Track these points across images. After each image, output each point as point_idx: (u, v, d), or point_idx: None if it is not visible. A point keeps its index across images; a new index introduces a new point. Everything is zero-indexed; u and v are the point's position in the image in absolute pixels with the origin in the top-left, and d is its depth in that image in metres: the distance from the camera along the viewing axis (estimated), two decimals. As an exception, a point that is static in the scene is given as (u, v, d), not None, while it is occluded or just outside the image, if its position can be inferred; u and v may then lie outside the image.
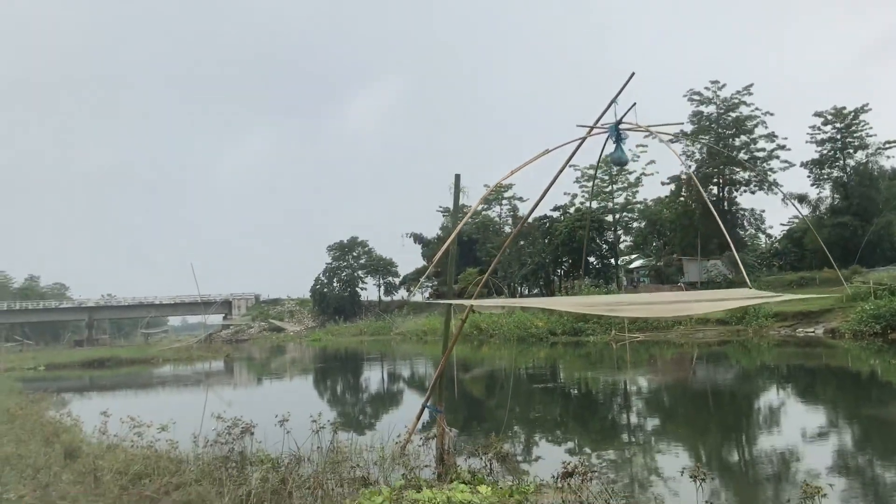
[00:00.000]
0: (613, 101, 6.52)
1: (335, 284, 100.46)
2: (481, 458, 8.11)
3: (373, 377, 35.49)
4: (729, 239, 6.99)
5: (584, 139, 6.93)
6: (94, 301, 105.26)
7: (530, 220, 68.15)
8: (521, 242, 78.48)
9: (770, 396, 20.61)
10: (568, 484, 6.47)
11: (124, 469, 8.46)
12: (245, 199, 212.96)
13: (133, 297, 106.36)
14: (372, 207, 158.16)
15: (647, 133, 6.53)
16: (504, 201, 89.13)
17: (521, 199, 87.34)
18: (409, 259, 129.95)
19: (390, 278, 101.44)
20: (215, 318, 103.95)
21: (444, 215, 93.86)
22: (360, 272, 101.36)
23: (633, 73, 6.34)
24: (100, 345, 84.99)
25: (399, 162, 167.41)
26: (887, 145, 64.20)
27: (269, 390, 31.61)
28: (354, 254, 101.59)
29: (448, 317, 10.20)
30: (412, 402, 23.54)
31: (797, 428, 14.53)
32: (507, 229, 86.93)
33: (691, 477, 6.52)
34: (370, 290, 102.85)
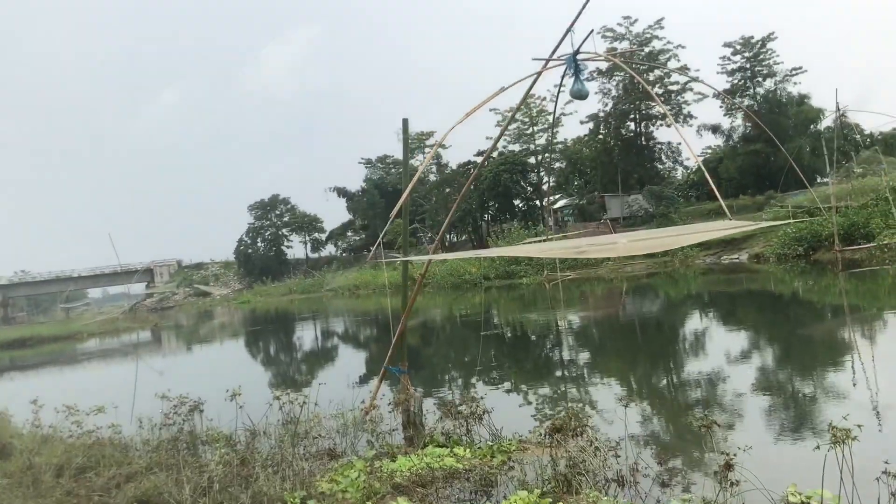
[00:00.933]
0: (569, 29, 6.10)
1: (259, 244, 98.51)
2: (454, 419, 7.77)
3: (308, 336, 34.95)
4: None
5: (539, 73, 6.51)
6: (6, 278, 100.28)
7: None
8: (447, 189, 78.24)
9: (695, 323, 21.17)
10: (556, 439, 6.27)
11: (65, 463, 7.84)
12: (160, 160, 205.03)
13: (49, 272, 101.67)
14: (292, 162, 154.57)
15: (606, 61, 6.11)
16: (426, 149, 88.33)
17: (443, 146, 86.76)
18: (334, 214, 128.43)
19: (316, 234, 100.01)
20: (138, 288, 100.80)
21: (366, 167, 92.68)
22: (284, 230, 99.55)
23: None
24: (17, 323, 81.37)
25: (317, 114, 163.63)
26: (794, 72, 66.05)
27: (202, 357, 30.77)
28: (277, 212, 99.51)
29: (404, 271, 9.78)
30: (357, 360, 23.23)
31: (721, 351, 15.01)
32: (432, 177, 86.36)
33: (623, 404, 7.16)
34: (296, 248, 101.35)
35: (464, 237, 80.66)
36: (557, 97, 6.96)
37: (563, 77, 6.47)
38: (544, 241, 32.00)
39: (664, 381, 13.18)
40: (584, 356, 17.36)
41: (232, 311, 66.68)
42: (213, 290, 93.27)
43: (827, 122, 65.49)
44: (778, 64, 66.45)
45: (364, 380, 16.42)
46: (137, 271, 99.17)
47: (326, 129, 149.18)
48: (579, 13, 6.00)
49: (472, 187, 75.67)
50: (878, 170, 38.53)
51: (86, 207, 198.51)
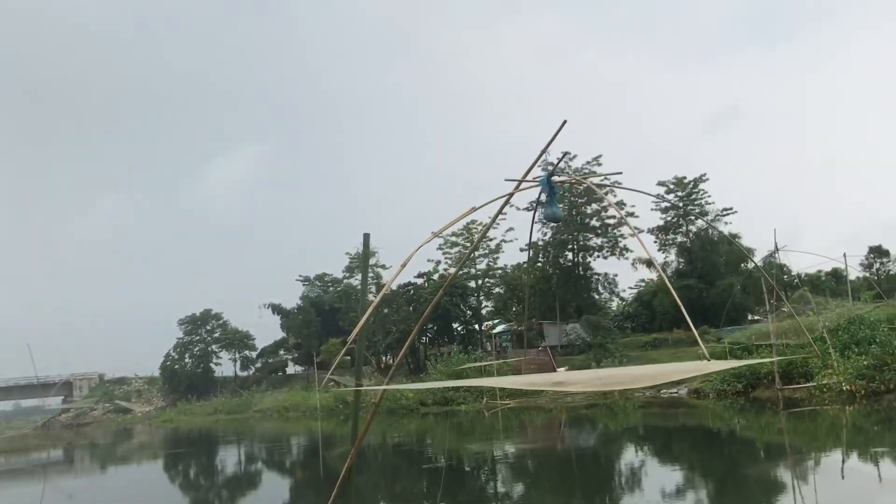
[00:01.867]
0: (545, 150, 5.81)
1: (187, 360, 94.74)
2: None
3: (232, 461, 32.89)
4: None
5: (511, 194, 6.15)
6: None
7: (396, 286, 67.67)
8: (385, 310, 77.49)
9: (633, 458, 20.91)
10: None
11: None
12: (89, 268, 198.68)
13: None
14: (226, 279, 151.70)
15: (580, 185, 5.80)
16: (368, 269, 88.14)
17: (383, 266, 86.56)
18: (266, 331, 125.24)
19: (247, 352, 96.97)
20: (54, 402, 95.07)
21: (303, 284, 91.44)
22: (213, 346, 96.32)
23: (565, 121, 5.72)
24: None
25: (255, 231, 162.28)
26: (725, 212, 68.95)
27: (116, 480, 28.51)
28: (208, 327, 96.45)
29: (356, 400, 8.91)
30: (283, 492, 21.68)
31: (657, 488, 14.84)
32: (371, 297, 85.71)
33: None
34: (225, 366, 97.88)
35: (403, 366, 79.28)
36: (534, 215, 6.56)
37: (535, 203, 6.15)
38: (485, 365, 31.49)
39: None
40: (521, 490, 16.74)
41: (153, 430, 63.13)
42: (134, 407, 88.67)
43: (757, 259, 68.07)
44: (709, 204, 69.40)
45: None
46: (56, 384, 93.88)
47: (264, 245, 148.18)
48: (555, 135, 5.74)
49: (410, 309, 75.30)
50: (806, 309, 39.70)
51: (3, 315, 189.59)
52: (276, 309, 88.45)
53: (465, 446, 27.27)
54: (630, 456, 21.42)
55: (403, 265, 6.36)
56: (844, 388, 25.05)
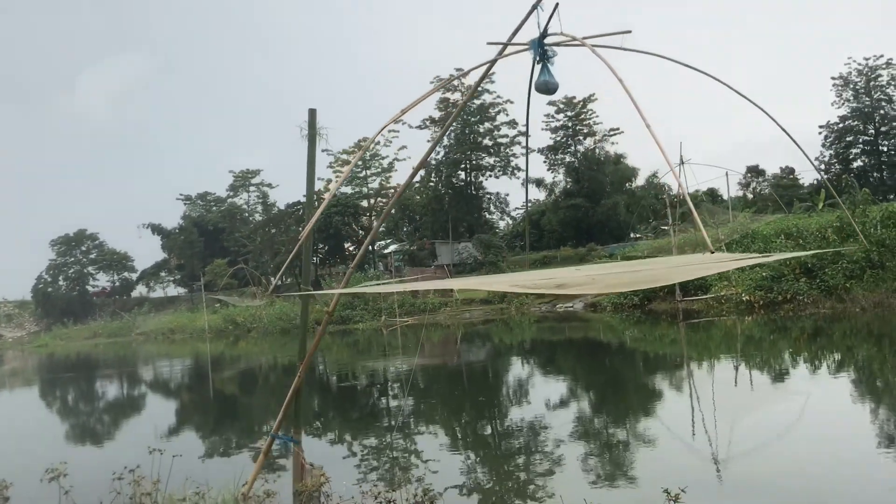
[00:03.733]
0: (536, 6, 5.05)
1: (61, 283, 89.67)
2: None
3: (114, 385, 31.29)
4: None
5: (494, 60, 5.37)
6: None
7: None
8: (273, 231, 75.49)
9: (523, 371, 21.40)
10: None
11: None
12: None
13: None
14: (103, 198, 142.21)
15: (579, 44, 4.97)
16: (252, 188, 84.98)
17: (270, 185, 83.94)
18: (146, 252, 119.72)
19: (126, 273, 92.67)
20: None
21: (185, 203, 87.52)
22: (90, 268, 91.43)
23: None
24: None
25: (134, 148, 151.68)
26: (612, 132, 70.30)
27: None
28: (83, 248, 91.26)
29: (304, 310, 8.16)
30: (171, 416, 20.59)
31: (544, 399, 15.29)
32: (257, 217, 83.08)
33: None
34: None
35: (289, 280, 77.79)
36: (529, 94, 5.77)
37: (530, 74, 5.34)
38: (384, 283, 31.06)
39: (488, 430, 13.18)
40: (413, 405, 16.75)
41: (26, 356, 59.57)
42: (4, 332, 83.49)
43: (641, 179, 70.32)
44: (598, 124, 70.51)
45: (213, 446, 14.37)
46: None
47: (144, 164, 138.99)
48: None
49: (298, 229, 73.61)
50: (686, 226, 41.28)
51: None
52: (157, 229, 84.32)
53: (363, 364, 27.08)
54: (519, 369, 21.84)
55: (365, 149, 5.57)
56: (744, 299, 26.18)
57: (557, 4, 4.85)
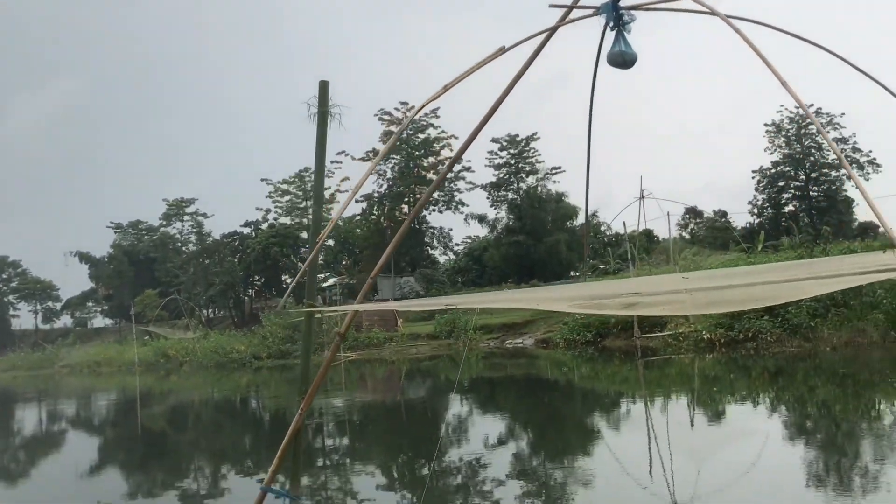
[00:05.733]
0: None
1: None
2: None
3: (32, 420, 29.09)
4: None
5: (555, 28, 4.47)
6: None
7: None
8: (207, 261, 73.19)
9: (465, 408, 20.66)
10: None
11: None
12: None
13: None
14: (26, 224, 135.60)
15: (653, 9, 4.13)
16: (186, 217, 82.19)
17: (205, 214, 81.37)
18: (73, 281, 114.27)
19: (50, 303, 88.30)
20: None
21: (115, 231, 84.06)
22: (11, 297, 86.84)
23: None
24: None
25: (63, 174, 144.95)
26: (553, 171, 70.85)
27: None
28: (4, 276, 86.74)
29: (308, 331, 6.39)
30: (93, 454, 18.86)
31: (485, 437, 14.85)
32: (191, 247, 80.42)
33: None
34: (25, 318, 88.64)
35: (223, 312, 75.32)
36: (596, 70, 4.89)
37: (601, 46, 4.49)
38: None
39: (425, 469, 12.41)
40: (350, 443, 15.94)
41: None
42: None
43: (581, 218, 70.98)
44: (540, 163, 71.01)
45: (138, 487, 13.03)
46: None
47: (73, 191, 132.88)
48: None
49: (235, 261, 71.51)
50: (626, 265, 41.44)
51: None
52: (85, 257, 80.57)
53: (296, 400, 25.78)
54: (466, 406, 21.12)
55: (397, 135, 4.65)
56: (705, 337, 25.82)
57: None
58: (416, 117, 68.60)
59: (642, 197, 31.59)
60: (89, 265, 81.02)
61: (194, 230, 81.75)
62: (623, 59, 4.19)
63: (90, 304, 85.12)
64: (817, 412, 14.74)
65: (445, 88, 4.48)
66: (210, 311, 76.64)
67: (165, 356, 47.76)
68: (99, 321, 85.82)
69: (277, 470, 5.32)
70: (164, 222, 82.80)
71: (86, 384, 45.24)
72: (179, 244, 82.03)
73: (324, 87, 5.25)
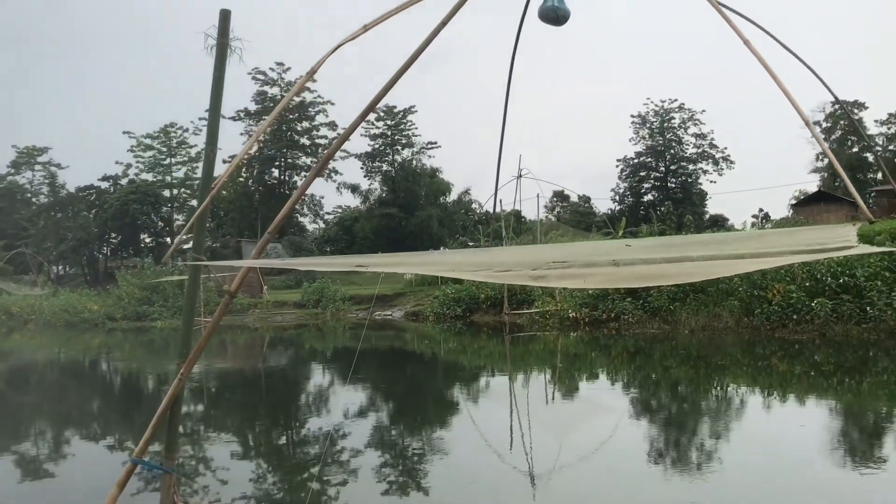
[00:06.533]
0: None
1: None
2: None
3: None
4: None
5: None
6: None
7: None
8: (59, 215, 68.77)
9: (326, 378, 20.70)
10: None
11: None
12: None
13: None
14: None
15: None
16: (38, 166, 76.54)
17: (59, 165, 76.15)
18: None
19: None
20: None
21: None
22: None
23: None
24: None
25: None
26: (429, 146, 71.26)
27: None
28: None
29: (192, 287, 5.46)
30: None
31: (343, 407, 14.81)
32: (42, 199, 75.09)
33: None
34: None
35: (75, 269, 71.07)
36: (521, 26, 4.93)
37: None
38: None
39: (283, 439, 12.59)
40: (205, 411, 15.62)
41: None
42: None
43: (454, 194, 71.98)
44: (416, 136, 71.20)
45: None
46: None
47: None
48: None
49: (90, 216, 67.55)
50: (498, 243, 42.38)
51: None
52: None
53: (150, 366, 24.91)
54: (327, 376, 21.11)
55: (314, 70, 4.43)
56: (570, 315, 26.62)
57: None
58: (292, 79, 67.04)
59: (520, 176, 32.04)
60: None
61: (46, 181, 76.37)
62: (556, 15, 4.18)
63: None
64: (669, 391, 15.69)
65: (365, 28, 4.41)
66: (60, 267, 72.13)
67: (7, 313, 44.51)
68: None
69: (150, 439, 4.96)
70: (13, 170, 76.81)
71: None
72: (29, 195, 76.38)
73: (225, 16, 4.95)
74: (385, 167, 71.76)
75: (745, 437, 10.91)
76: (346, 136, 4.67)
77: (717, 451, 9.97)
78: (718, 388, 15.79)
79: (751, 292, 23.03)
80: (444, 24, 4.12)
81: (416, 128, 71.18)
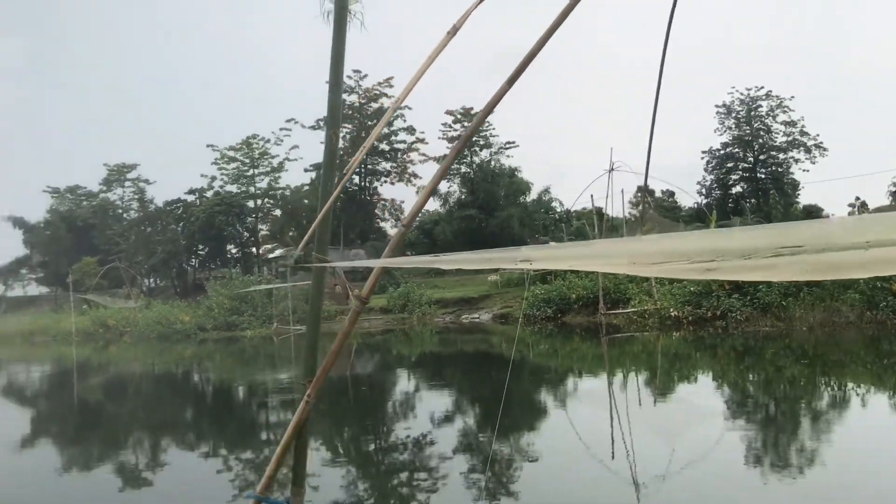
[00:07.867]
0: None
1: None
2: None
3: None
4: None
5: None
6: None
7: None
8: (149, 229, 70.74)
9: (413, 384, 20.18)
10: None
11: None
12: None
13: None
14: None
15: None
16: (127, 183, 79.05)
17: (147, 181, 78.43)
18: (6, 247, 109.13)
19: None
20: None
21: (52, 196, 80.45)
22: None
23: None
24: None
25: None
26: (507, 146, 70.30)
27: None
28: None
29: (316, 293, 4.52)
30: (26, 426, 17.65)
31: (430, 414, 14.63)
32: (132, 214, 77.52)
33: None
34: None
35: (165, 282, 73.04)
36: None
37: None
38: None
39: (372, 446, 12.47)
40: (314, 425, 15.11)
41: None
42: None
43: (533, 193, 70.82)
44: (494, 137, 70.32)
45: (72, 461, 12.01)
46: None
47: (7, 153, 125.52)
48: None
49: (178, 228, 69.19)
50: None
51: None
52: (19, 222, 76.92)
53: (239, 374, 24.90)
54: (414, 382, 20.54)
55: (421, 73, 3.64)
56: (672, 314, 25.32)
57: None
58: (369, 86, 67.32)
59: (612, 169, 30.37)
60: (24, 230, 77.55)
61: (136, 196, 78.87)
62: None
63: (24, 271, 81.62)
64: (782, 394, 14.39)
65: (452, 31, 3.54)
66: (152, 280, 74.27)
67: (105, 326, 45.87)
68: (33, 289, 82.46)
69: (275, 473, 4.13)
70: (105, 188, 79.73)
71: (18, 354, 43.16)
72: (120, 211, 79.06)
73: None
74: (464, 169, 71.15)
75: (870, 448, 9.66)
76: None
77: (836, 461, 8.87)
78: (837, 388, 14.38)
79: (874, 284, 21.16)
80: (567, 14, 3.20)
81: (494, 128, 70.31)
